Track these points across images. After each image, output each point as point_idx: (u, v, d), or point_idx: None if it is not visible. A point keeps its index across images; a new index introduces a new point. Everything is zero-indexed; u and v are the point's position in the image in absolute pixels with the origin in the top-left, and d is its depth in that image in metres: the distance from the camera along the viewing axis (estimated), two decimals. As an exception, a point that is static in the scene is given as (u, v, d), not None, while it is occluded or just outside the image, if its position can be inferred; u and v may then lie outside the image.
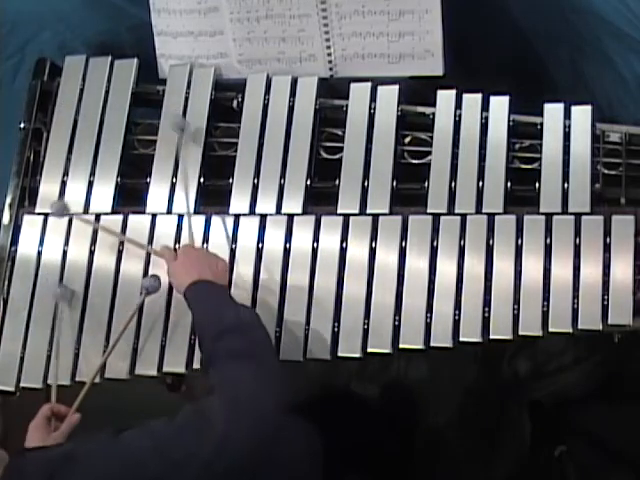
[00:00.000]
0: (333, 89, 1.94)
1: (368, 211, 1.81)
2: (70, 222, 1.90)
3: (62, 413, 1.68)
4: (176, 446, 1.35)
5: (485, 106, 1.83)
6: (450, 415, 2.43)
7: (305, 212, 1.83)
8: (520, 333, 1.70)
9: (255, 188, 1.86)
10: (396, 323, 1.73)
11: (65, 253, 1.89)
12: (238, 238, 1.83)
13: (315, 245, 1.80)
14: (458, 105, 1.84)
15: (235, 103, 1.93)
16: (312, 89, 1.90)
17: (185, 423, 1.39)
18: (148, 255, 1.84)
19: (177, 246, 1.84)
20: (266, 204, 1.84)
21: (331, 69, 1.95)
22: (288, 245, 1.81)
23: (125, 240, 1.85)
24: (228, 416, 1.37)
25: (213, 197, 1.88)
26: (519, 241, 1.73)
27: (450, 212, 1.78)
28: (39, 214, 1.92)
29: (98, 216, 1.90)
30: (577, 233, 1.72)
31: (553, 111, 1.81)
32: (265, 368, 1.48)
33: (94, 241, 1.88)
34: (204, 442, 1.34)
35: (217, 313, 1.58)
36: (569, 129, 1.79)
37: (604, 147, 1.79)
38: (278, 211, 1.84)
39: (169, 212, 1.88)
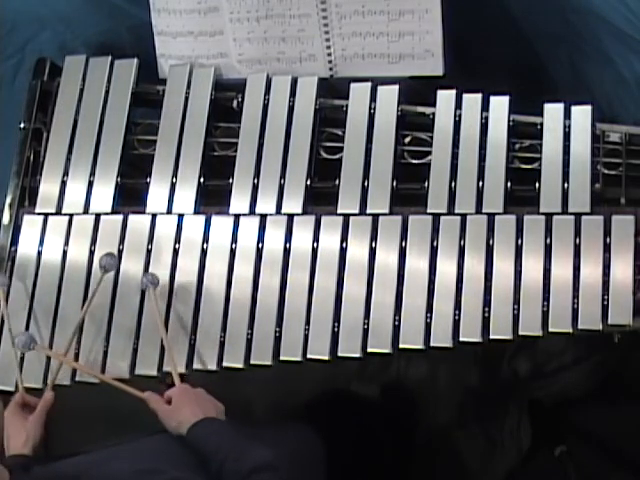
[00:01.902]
0: (333, 89, 1.94)
1: (368, 211, 1.81)
2: (70, 222, 1.90)
3: (31, 404, 1.67)
4: None
5: (485, 106, 1.83)
6: (450, 415, 2.43)
7: (305, 212, 1.83)
8: (520, 333, 1.70)
9: (255, 188, 1.86)
10: (396, 323, 1.73)
11: (65, 253, 1.89)
12: (238, 238, 1.83)
13: (315, 245, 1.80)
14: (458, 105, 1.84)
15: (235, 103, 1.93)
16: (312, 89, 1.90)
17: None
18: (148, 255, 1.84)
19: (177, 245, 1.84)
20: (266, 204, 1.84)
21: (331, 69, 1.95)
22: (288, 245, 1.81)
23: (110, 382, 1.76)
24: None
25: (213, 197, 1.88)
26: (519, 241, 1.73)
27: (450, 212, 1.78)
28: (39, 214, 1.92)
29: (98, 216, 1.90)
30: (577, 233, 1.72)
31: (553, 111, 1.81)
32: None
33: (94, 241, 1.88)
34: None
35: (242, 448, 1.46)
36: (569, 129, 1.79)
37: (604, 147, 1.79)
38: (278, 211, 1.84)
39: (169, 212, 1.88)
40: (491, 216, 1.76)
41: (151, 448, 1.52)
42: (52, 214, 1.92)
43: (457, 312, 1.72)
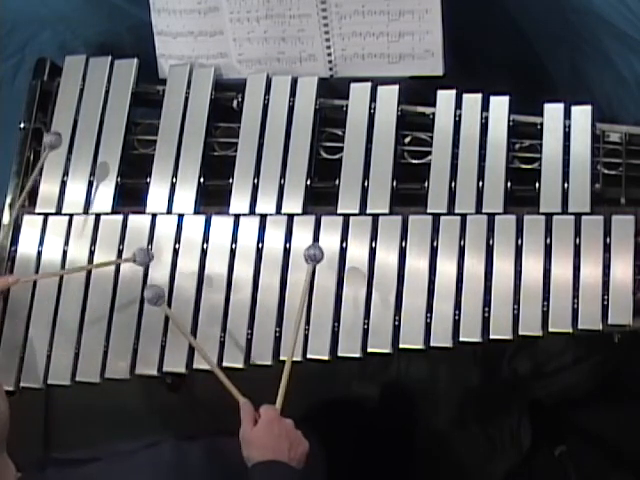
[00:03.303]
0: (333, 89, 1.94)
1: (368, 211, 1.81)
2: (70, 222, 1.90)
3: None
4: None
5: (485, 106, 1.83)
6: (450, 415, 2.43)
7: (305, 212, 1.83)
8: (520, 333, 1.70)
9: (255, 188, 1.86)
10: (396, 323, 1.73)
11: (65, 253, 1.89)
12: (238, 238, 1.83)
13: (315, 245, 1.80)
14: (458, 105, 1.84)
15: (235, 103, 1.93)
16: (312, 89, 1.90)
17: None
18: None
19: (177, 245, 1.84)
20: (266, 204, 1.84)
21: (331, 69, 1.95)
22: (288, 245, 1.81)
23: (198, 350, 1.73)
24: None
25: (213, 197, 1.88)
26: (519, 241, 1.73)
27: (450, 212, 1.78)
28: (39, 214, 1.92)
29: (98, 216, 1.90)
30: (577, 233, 1.72)
31: (553, 111, 1.81)
32: None
33: (94, 241, 1.88)
34: None
35: None
36: (569, 129, 1.79)
37: (604, 147, 1.79)
38: (278, 211, 1.84)
39: (169, 212, 1.88)
40: (491, 216, 1.76)
41: (166, 461, 1.51)
42: (52, 214, 1.91)
43: (457, 312, 1.72)
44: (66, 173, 1.93)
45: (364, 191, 1.82)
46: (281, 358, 1.75)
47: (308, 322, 1.76)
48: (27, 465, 1.41)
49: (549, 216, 1.74)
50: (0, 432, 1.34)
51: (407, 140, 1.87)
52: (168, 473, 1.49)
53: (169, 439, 1.65)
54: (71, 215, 1.91)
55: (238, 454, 1.48)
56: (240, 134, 1.90)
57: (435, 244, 1.76)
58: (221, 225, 1.84)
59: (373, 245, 1.78)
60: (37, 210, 1.93)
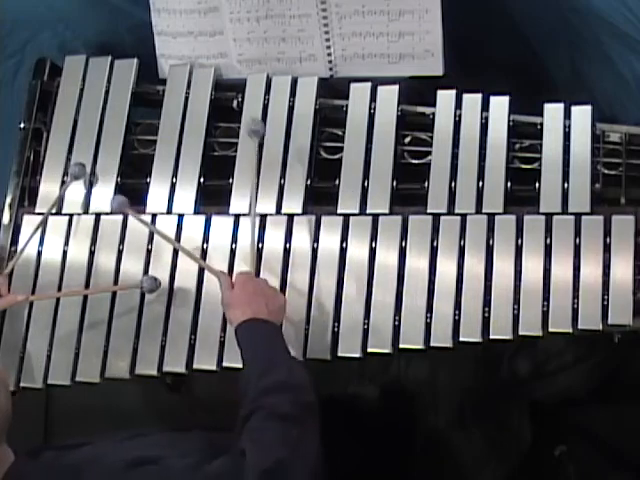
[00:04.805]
0: (333, 89, 1.94)
1: (368, 211, 1.81)
2: (70, 222, 1.90)
3: None
4: None
5: (485, 106, 1.83)
6: (450, 415, 2.43)
7: (305, 212, 1.83)
8: (520, 333, 1.70)
9: (255, 188, 1.86)
10: (396, 323, 1.73)
11: (65, 253, 1.89)
12: (238, 238, 1.83)
13: (315, 245, 1.80)
14: (458, 105, 1.84)
15: (235, 103, 1.93)
16: (312, 89, 1.90)
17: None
18: (148, 255, 1.84)
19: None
20: (266, 204, 1.84)
21: (331, 69, 1.95)
22: (288, 245, 1.81)
23: (179, 249, 1.81)
24: None
25: (213, 197, 1.88)
26: (519, 241, 1.73)
27: (450, 212, 1.78)
28: (39, 214, 1.92)
29: (98, 216, 1.90)
30: (577, 233, 1.72)
31: (553, 111, 1.81)
32: (306, 438, 1.43)
33: (94, 241, 1.88)
34: None
35: (268, 364, 1.52)
36: (569, 129, 1.79)
37: (604, 147, 1.79)
38: (278, 211, 1.84)
39: (169, 212, 1.88)
40: (491, 216, 1.76)
41: (156, 439, 1.53)
42: (52, 214, 1.91)
43: (457, 312, 1.72)
44: (66, 173, 1.93)
45: (364, 191, 1.82)
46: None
47: (308, 322, 1.76)
48: (23, 451, 1.42)
49: (549, 216, 1.74)
50: (2, 424, 1.35)
51: (407, 140, 1.87)
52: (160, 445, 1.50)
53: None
54: (71, 215, 1.91)
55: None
56: (240, 134, 1.90)
57: (435, 244, 1.76)
58: (221, 225, 1.84)
59: (373, 245, 1.78)
60: (37, 210, 1.93)
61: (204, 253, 1.83)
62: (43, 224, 1.89)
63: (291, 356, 1.60)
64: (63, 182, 1.93)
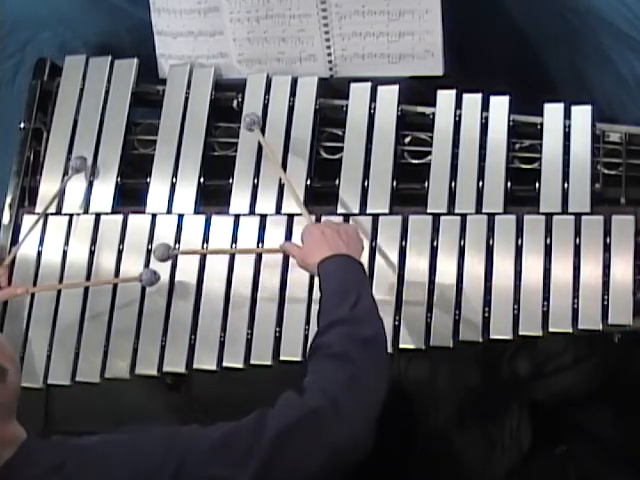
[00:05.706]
0: (333, 89, 1.94)
1: (368, 211, 1.81)
2: (70, 222, 1.90)
3: None
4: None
5: (485, 106, 1.83)
6: (450, 415, 2.43)
7: (305, 212, 1.83)
8: (520, 333, 1.70)
9: (255, 188, 1.86)
10: (396, 323, 1.73)
11: (65, 253, 1.89)
12: (238, 238, 1.83)
13: (315, 245, 1.79)
14: (458, 105, 1.84)
15: (235, 103, 1.93)
16: (312, 89, 1.90)
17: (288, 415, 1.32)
18: (148, 255, 1.84)
19: (177, 246, 1.84)
20: (266, 204, 1.84)
21: (331, 69, 1.95)
22: (288, 245, 1.81)
23: (236, 252, 1.81)
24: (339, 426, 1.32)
25: (213, 197, 1.88)
26: (519, 241, 1.73)
27: (450, 212, 1.78)
28: (39, 214, 1.92)
29: (98, 216, 1.90)
30: (577, 233, 1.72)
31: (553, 111, 1.81)
32: (361, 377, 1.41)
33: (94, 241, 1.88)
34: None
35: (337, 299, 1.48)
36: (569, 129, 1.79)
37: (604, 147, 1.79)
38: (278, 211, 1.84)
39: (169, 212, 1.88)
40: (491, 216, 1.76)
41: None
42: (52, 214, 1.92)
43: (457, 312, 1.72)
44: (66, 173, 1.93)
45: (364, 191, 1.82)
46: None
47: (308, 322, 1.76)
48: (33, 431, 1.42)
49: (549, 216, 1.74)
50: (13, 399, 1.36)
51: (407, 140, 1.87)
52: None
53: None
54: (71, 215, 1.91)
55: None
56: (240, 134, 1.90)
57: (435, 244, 1.76)
58: (221, 225, 1.84)
59: (373, 245, 1.78)
60: (37, 210, 1.93)
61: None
62: (43, 220, 1.90)
63: (362, 285, 1.53)
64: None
